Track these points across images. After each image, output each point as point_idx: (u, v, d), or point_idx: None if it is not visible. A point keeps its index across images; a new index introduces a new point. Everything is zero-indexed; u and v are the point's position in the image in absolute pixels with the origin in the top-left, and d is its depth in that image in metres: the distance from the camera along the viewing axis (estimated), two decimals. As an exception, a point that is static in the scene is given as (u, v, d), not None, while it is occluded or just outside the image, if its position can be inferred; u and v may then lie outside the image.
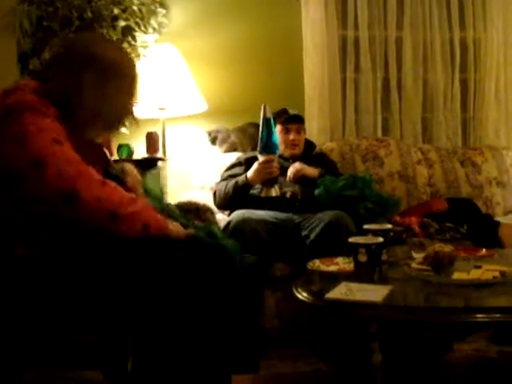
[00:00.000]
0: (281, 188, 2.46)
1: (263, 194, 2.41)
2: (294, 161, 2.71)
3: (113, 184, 1.47)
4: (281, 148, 2.59)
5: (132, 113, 1.68)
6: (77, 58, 1.56)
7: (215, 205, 2.69)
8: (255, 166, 2.44)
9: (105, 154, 1.78)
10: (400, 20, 3.41)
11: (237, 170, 2.71)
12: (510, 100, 3.49)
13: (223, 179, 2.70)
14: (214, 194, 2.68)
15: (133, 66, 1.67)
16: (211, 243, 1.55)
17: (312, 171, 2.64)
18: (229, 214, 2.58)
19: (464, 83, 3.49)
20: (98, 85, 1.55)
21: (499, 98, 3.47)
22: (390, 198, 2.69)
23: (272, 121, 2.37)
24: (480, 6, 3.43)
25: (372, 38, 3.39)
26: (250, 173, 2.49)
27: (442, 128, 3.45)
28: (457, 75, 3.45)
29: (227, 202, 2.60)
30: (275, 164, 2.40)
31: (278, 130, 2.66)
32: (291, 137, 2.73)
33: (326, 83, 3.32)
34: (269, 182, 2.40)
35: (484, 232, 2.62)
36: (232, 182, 2.58)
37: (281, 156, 2.61)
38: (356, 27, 3.38)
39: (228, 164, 2.85)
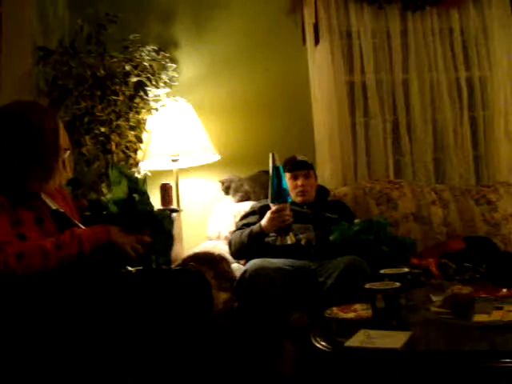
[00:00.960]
0: (296, 235, 2.45)
1: (278, 243, 2.40)
2: (307, 207, 2.72)
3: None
4: (291, 195, 2.60)
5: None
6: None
7: (231, 254, 2.67)
8: (268, 214, 2.45)
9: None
10: (405, 63, 3.47)
11: (251, 218, 2.71)
12: (521, 135, 3.50)
13: (238, 228, 2.71)
14: (230, 243, 2.67)
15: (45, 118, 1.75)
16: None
17: None
18: (244, 263, 2.57)
19: (473, 121, 3.51)
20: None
21: (509, 133, 3.47)
22: (406, 239, 2.67)
23: (281, 168, 2.39)
24: (483, 45, 3.48)
25: (379, 82, 3.44)
26: (263, 221, 2.49)
27: (454, 167, 3.45)
28: (465, 114, 3.47)
29: (242, 251, 2.59)
30: (288, 212, 2.40)
31: (287, 177, 2.65)
32: (299, 183, 2.74)
33: (336, 128, 3.36)
34: (283, 230, 2.40)
35: (504, 270, 2.57)
36: (247, 231, 2.58)
37: (293, 202, 2.62)
38: (362, 72, 3.44)
39: (242, 213, 2.86)
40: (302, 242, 2.52)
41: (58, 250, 1.57)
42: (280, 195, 2.39)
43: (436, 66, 3.46)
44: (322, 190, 2.91)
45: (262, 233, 2.50)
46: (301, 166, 2.76)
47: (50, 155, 1.73)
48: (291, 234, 2.40)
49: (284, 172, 2.47)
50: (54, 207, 1.78)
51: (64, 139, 1.78)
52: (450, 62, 3.48)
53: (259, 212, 2.68)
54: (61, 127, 1.79)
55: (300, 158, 2.79)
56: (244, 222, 2.73)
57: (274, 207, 2.41)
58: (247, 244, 2.55)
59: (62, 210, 1.78)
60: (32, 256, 1.54)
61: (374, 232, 2.46)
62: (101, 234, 1.66)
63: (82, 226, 1.77)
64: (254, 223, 2.61)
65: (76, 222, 1.79)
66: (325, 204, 2.83)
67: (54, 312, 1.52)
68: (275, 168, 2.37)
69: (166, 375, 1.55)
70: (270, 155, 2.37)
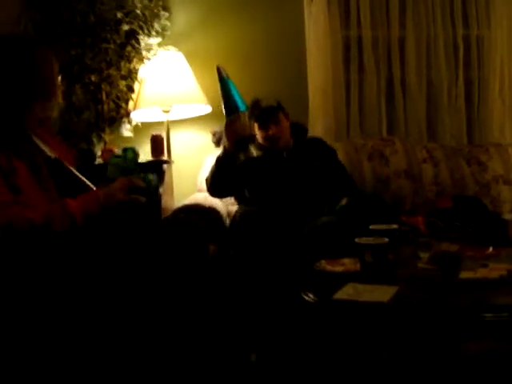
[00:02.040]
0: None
1: (242, 158, 2.35)
2: (287, 153, 2.60)
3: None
4: (265, 144, 2.56)
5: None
6: None
7: (208, 192, 2.59)
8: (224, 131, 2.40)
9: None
10: (402, 19, 3.42)
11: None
12: (515, 97, 3.48)
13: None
14: (206, 182, 2.59)
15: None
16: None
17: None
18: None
19: (468, 81, 3.49)
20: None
21: (503, 95, 3.47)
22: None
23: (229, 80, 2.30)
24: (483, 3, 3.43)
25: (375, 38, 3.39)
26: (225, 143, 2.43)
27: (446, 126, 3.44)
28: (461, 73, 3.45)
29: (217, 181, 2.49)
30: (240, 123, 2.32)
31: (255, 126, 2.58)
32: (271, 132, 2.57)
33: (330, 83, 3.32)
34: (242, 144, 2.33)
35: (491, 230, 2.60)
36: (214, 160, 2.51)
37: (271, 150, 2.56)
38: (359, 27, 3.39)
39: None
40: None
41: (48, 224, 1.54)
42: (230, 108, 2.31)
43: (434, 23, 3.42)
44: (297, 130, 2.73)
45: (227, 154, 2.41)
46: (268, 114, 2.57)
47: (48, 84, 1.69)
48: (252, 147, 2.35)
49: (250, 119, 2.44)
50: (51, 155, 1.75)
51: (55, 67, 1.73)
52: (448, 18, 3.43)
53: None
54: (56, 63, 1.74)
55: (264, 103, 2.58)
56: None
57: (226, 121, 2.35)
58: (217, 170, 2.46)
59: (56, 157, 1.75)
60: (19, 227, 1.51)
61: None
62: (92, 204, 1.62)
63: (80, 175, 1.74)
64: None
65: (73, 169, 1.76)
66: (303, 145, 2.67)
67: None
68: (222, 80, 2.29)
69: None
70: (216, 69, 2.30)
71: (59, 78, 1.75)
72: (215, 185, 2.51)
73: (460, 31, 3.43)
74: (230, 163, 2.42)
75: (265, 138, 2.57)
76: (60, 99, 1.76)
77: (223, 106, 2.31)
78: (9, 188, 1.56)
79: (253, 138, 2.36)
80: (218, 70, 2.28)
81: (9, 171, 1.58)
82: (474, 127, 3.52)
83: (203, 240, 1.71)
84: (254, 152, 2.33)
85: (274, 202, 2.44)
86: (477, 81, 3.48)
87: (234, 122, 2.31)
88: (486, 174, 3.18)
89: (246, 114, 2.37)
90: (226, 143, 2.38)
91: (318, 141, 2.79)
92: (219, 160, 2.45)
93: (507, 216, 2.84)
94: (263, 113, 2.56)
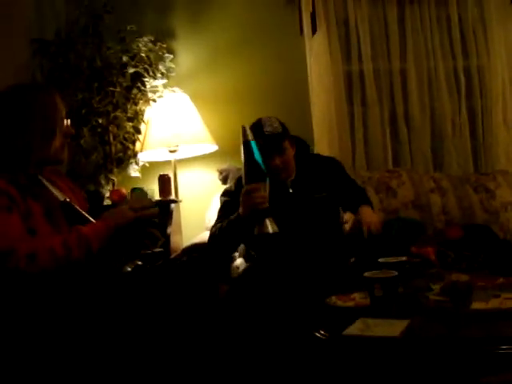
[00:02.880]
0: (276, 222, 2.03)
1: (256, 232, 2.00)
2: (292, 185, 2.36)
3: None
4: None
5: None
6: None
7: (209, 246, 2.31)
8: (240, 197, 2.09)
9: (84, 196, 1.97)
10: (403, 51, 3.47)
11: (228, 207, 2.30)
12: (519, 123, 3.50)
13: (216, 222, 2.32)
14: (211, 237, 2.28)
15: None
16: None
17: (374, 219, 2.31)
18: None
19: (471, 110, 3.51)
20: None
21: (507, 122, 3.49)
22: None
23: (253, 143, 2.00)
24: (481, 33, 3.48)
25: (377, 71, 3.45)
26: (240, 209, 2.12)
27: (452, 155, 3.45)
28: (463, 102, 3.47)
29: (224, 242, 2.24)
30: (261, 193, 2.01)
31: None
32: (277, 162, 2.29)
33: (334, 117, 3.36)
34: (259, 216, 2.00)
35: (501, 259, 2.58)
36: (226, 221, 2.21)
37: (276, 182, 2.26)
38: (360, 60, 3.44)
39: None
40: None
41: (68, 252, 1.58)
42: (252, 175, 2.02)
43: (434, 55, 3.46)
44: (299, 148, 2.42)
45: (240, 219, 2.11)
46: (272, 144, 2.26)
47: (49, 123, 1.73)
48: (269, 221, 1.99)
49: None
50: (62, 198, 1.78)
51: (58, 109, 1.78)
52: (448, 50, 3.48)
53: (235, 196, 2.24)
54: (61, 105, 1.78)
55: (268, 129, 2.26)
56: (220, 214, 2.34)
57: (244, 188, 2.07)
58: (227, 234, 2.18)
59: (68, 200, 1.78)
60: (43, 258, 1.55)
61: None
62: (102, 228, 1.66)
63: (91, 218, 1.76)
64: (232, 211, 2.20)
65: (84, 213, 1.79)
66: (310, 170, 2.38)
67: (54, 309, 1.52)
68: (246, 143, 1.99)
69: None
70: (241, 129, 2.03)
71: (66, 121, 1.79)
72: (220, 245, 2.26)
73: (460, 62, 3.48)
74: (241, 229, 2.14)
75: (271, 169, 2.25)
76: (65, 141, 1.80)
77: (244, 171, 2.04)
78: (27, 230, 1.59)
79: (269, 211, 2.03)
80: (243, 130, 2.02)
81: (25, 212, 1.61)
82: (480, 155, 3.53)
83: (214, 280, 1.71)
84: (270, 227, 2.00)
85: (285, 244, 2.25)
86: (480, 110, 3.51)
87: (255, 192, 2.01)
88: (494, 201, 3.17)
89: (267, 184, 2.08)
90: (242, 210, 2.10)
91: (323, 158, 2.57)
92: (231, 224, 2.17)
93: (518, 244, 2.83)
94: (268, 140, 2.25)
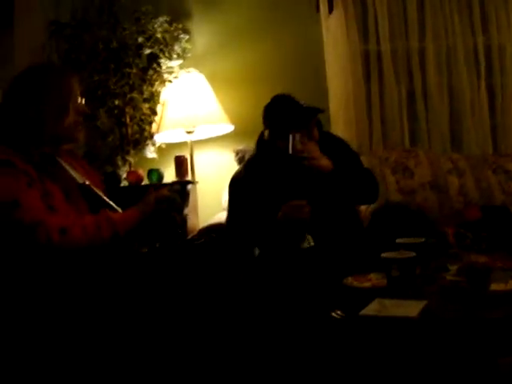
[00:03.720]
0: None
1: (295, 245, 2.08)
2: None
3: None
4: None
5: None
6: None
7: (232, 240, 2.24)
8: (284, 208, 2.08)
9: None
10: (422, 30, 3.40)
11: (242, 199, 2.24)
12: (540, 103, 3.43)
13: (235, 214, 2.25)
14: (232, 229, 2.26)
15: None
16: None
17: (326, 162, 2.13)
18: None
19: (490, 89, 3.44)
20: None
21: (527, 102, 3.42)
22: None
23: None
24: (503, 9, 3.40)
25: (394, 51, 3.39)
26: (279, 216, 2.10)
27: (470, 136, 3.40)
28: (482, 81, 3.41)
29: (254, 238, 2.21)
30: (307, 209, 2.05)
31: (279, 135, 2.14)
32: (315, 133, 2.16)
33: (351, 97, 3.32)
34: (301, 230, 2.08)
35: (520, 240, 2.56)
36: (259, 228, 2.15)
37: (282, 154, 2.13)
38: (378, 40, 3.39)
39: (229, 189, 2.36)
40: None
41: (98, 231, 1.61)
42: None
43: (453, 32, 3.39)
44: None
45: (276, 226, 2.10)
46: (312, 115, 2.15)
47: (60, 100, 1.75)
48: (309, 235, 2.06)
49: (269, 121, 2.13)
50: (81, 180, 1.79)
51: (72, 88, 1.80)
52: (468, 27, 3.41)
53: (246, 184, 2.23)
54: (76, 84, 1.81)
55: (304, 103, 2.15)
56: (234, 208, 2.28)
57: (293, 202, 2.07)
58: (261, 234, 2.15)
59: (88, 183, 1.80)
60: (74, 233, 1.57)
61: None
62: (133, 218, 1.71)
63: (109, 201, 1.78)
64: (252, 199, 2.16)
65: (103, 195, 1.81)
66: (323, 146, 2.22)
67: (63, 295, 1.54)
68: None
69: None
70: (290, 137, 2.00)
71: (81, 100, 1.81)
72: (249, 240, 2.23)
73: (480, 39, 3.40)
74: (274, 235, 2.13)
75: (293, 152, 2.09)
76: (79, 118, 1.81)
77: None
78: (47, 208, 1.61)
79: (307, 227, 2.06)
80: (293, 138, 2.00)
81: (44, 192, 1.63)
82: (499, 136, 3.47)
83: (233, 263, 1.73)
84: (309, 242, 2.05)
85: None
86: (499, 88, 3.44)
87: (302, 207, 2.04)
88: (512, 182, 3.13)
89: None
90: (283, 219, 2.08)
91: (326, 136, 2.38)
92: (268, 229, 2.13)
93: (537, 224, 2.80)
94: (307, 113, 2.14)
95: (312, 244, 2.05)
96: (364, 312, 1.50)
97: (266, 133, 2.25)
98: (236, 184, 2.30)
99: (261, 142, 2.30)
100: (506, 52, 3.42)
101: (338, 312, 1.57)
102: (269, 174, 2.23)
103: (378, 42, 3.39)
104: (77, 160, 1.93)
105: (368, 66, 3.41)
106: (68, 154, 1.88)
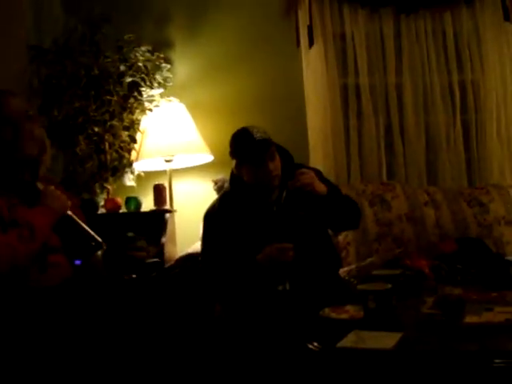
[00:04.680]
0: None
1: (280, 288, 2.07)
2: (276, 203, 2.22)
3: None
4: (259, 183, 2.18)
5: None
6: None
7: (206, 275, 2.19)
8: (269, 249, 2.08)
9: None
10: (399, 65, 3.48)
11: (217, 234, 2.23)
12: (513, 138, 3.52)
13: (212, 260, 2.21)
14: (206, 265, 2.23)
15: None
16: None
17: (322, 187, 2.14)
18: None
19: (465, 124, 3.52)
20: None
21: (501, 136, 3.50)
22: None
23: None
24: (475, 49, 3.50)
25: (372, 85, 3.46)
26: (260, 257, 2.09)
27: (446, 169, 3.47)
28: (458, 117, 3.49)
29: (231, 289, 2.15)
30: (291, 253, 2.06)
31: (245, 166, 2.18)
32: (270, 167, 2.14)
33: (329, 130, 3.37)
34: (284, 273, 2.07)
35: (495, 272, 2.59)
36: (237, 268, 2.13)
37: (258, 190, 2.20)
38: (356, 75, 3.45)
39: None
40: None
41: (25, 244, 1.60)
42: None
43: (429, 69, 3.48)
44: (285, 163, 2.24)
45: (255, 267, 2.08)
46: (263, 150, 2.12)
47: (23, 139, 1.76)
48: (287, 282, 2.07)
49: (235, 156, 2.16)
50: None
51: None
52: (443, 64, 3.50)
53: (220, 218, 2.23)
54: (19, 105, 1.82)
55: (258, 135, 2.12)
56: (209, 245, 2.25)
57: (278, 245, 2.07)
58: (240, 283, 2.11)
59: (70, 213, 1.79)
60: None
61: None
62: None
63: (90, 231, 1.77)
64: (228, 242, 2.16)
65: (85, 226, 1.79)
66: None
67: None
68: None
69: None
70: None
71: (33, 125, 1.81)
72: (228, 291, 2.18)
73: (455, 76, 3.50)
74: (253, 276, 2.10)
75: (264, 178, 2.16)
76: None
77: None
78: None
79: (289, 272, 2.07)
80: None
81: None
82: (474, 169, 3.54)
83: (209, 300, 1.71)
84: (288, 285, 2.06)
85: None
86: (474, 124, 3.53)
87: (288, 251, 2.06)
88: (487, 215, 3.17)
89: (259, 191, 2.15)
90: (263, 261, 2.08)
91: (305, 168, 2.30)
92: (248, 275, 2.10)
93: (511, 257, 2.84)
94: (259, 146, 2.12)
95: (287, 288, 2.05)
96: (341, 344, 1.50)
97: (233, 165, 2.27)
98: (210, 218, 2.29)
99: (233, 175, 2.31)
100: (479, 89, 3.52)
101: (315, 344, 1.57)
102: (242, 209, 2.23)
103: (356, 77, 3.46)
104: (54, 186, 1.92)
105: (347, 99, 3.47)
106: (44, 179, 1.87)
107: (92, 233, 1.79)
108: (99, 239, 1.77)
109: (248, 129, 2.17)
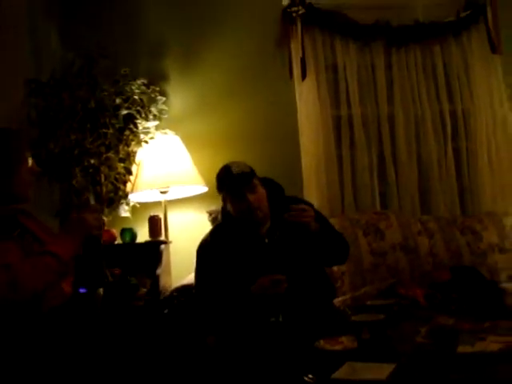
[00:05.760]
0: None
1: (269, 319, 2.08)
2: (267, 235, 2.26)
3: None
4: (243, 217, 2.22)
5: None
6: None
7: (199, 308, 2.25)
8: (262, 280, 2.09)
9: None
10: (390, 96, 3.55)
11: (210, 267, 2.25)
12: (504, 165, 3.57)
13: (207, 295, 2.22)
14: (199, 297, 2.25)
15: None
16: None
17: (316, 225, 2.18)
18: None
19: (457, 153, 3.58)
20: None
21: (492, 164, 3.56)
22: None
23: None
24: (465, 79, 3.59)
25: (365, 116, 3.52)
26: (253, 288, 2.10)
27: (439, 198, 3.51)
28: (449, 145, 3.55)
29: (225, 320, 2.17)
30: (285, 285, 2.07)
31: (228, 200, 2.25)
32: (249, 199, 2.17)
33: (323, 161, 3.42)
34: (277, 305, 2.08)
35: (490, 300, 2.60)
36: (230, 299, 2.14)
37: (249, 232, 2.25)
38: (348, 105, 3.52)
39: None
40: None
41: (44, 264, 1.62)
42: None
43: (420, 100, 3.55)
44: (272, 190, 2.31)
45: (249, 299, 2.09)
46: (242, 181, 2.18)
47: (10, 166, 1.80)
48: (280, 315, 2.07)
49: (221, 191, 2.23)
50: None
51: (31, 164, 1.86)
52: (434, 95, 3.57)
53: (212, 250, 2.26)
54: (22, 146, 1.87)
55: (236, 170, 2.19)
56: (203, 278, 2.26)
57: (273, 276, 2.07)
58: (235, 314, 2.12)
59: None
60: (19, 266, 1.59)
61: None
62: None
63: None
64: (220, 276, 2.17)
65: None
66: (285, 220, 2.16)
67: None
68: None
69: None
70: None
71: (30, 160, 1.87)
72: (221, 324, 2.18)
73: (446, 106, 3.57)
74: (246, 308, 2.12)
75: (242, 210, 2.20)
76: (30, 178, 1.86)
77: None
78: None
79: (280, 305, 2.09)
80: None
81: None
82: (467, 197, 3.58)
83: (202, 332, 1.72)
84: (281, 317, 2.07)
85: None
86: (465, 152, 3.59)
87: (282, 283, 2.06)
88: (481, 243, 3.20)
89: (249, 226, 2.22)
90: (258, 291, 2.09)
91: (294, 201, 2.30)
92: (242, 306, 2.12)
93: (505, 285, 2.85)
94: (236, 181, 2.18)
95: (280, 320, 2.06)
96: (335, 375, 1.51)
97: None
98: (203, 251, 2.31)
99: (224, 208, 2.35)
100: (470, 118, 3.58)
101: (310, 376, 1.57)
102: (234, 241, 2.26)
103: (348, 108, 3.52)
104: (34, 220, 1.94)
105: (339, 130, 3.52)
106: (25, 215, 1.90)
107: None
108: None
109: (228, 165, 2.24)
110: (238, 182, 2.18)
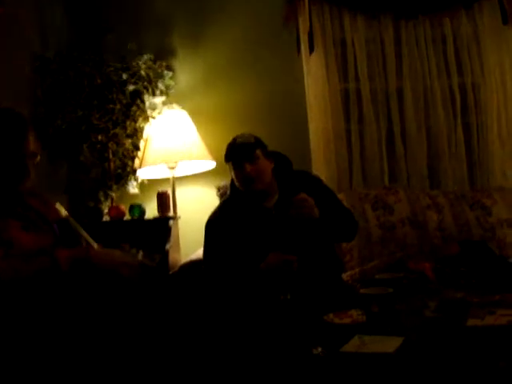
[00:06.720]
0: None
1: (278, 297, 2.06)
2: (275, 207, 2.30)
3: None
4: (241, 187, 2.28)
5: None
6: None
7: (207, 284, 2.29)
8: (273, 258, 2.13)
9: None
10: (399, 70, 3.51)
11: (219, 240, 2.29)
12: (514, 139, 3.53)
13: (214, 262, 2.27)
14: (208, 271, 2.28)
15: None
16: None
17: (316, 212, 2.17)
18: None
19: (467, 127, 3.55)
20: None
21: (503, 138, 3.51)
22: None
23: None
24: (475, 52, 3.53)
25: (373, 90, 3.48)
26: (263, 266, 2.14)
27: (448, 172, 3.48)
28: (459, 120, 3.51)
29: (229, 282, 2.22)
30: (296, 264, 2.10)
31: (231, 169, 2.30)
32: (246, 170, 2.22)
33: (331, 135, 3.40)
34: (287, 284, 2.07)
35: (498, 275, 2.60)
36: (239, 274, 2.19)
37: (256, 204, 2.28)
38: (357, 80, 3.48)
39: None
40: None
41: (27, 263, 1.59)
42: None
43: (429, 73, 3.51)
44: (280, 164, 2.37)
45: (257, 273, 2.13)
46: (242, 152, 2.24)
47: (17, 154, 1.77)
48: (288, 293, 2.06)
49: (227, 161, 2.26)
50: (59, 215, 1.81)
51: (33, 143, 1.82)
52: (443, 69, 3.52)
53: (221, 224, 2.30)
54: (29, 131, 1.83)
55: (239, 140, 2.27)
56: (212, 250, 2.30)
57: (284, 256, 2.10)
58: (241, 283, 2.16)
59: (66, 216, 1.81)
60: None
61: None
62: (79, 252, 1.69)
63: (86, 234, 1.79)
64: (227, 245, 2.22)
65: (81, 230, 1.81)
66: (291, 191, 2.24)
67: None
68: None
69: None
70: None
71: (33, 141, 1.83)
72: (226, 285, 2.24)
73: (455, 80, 3.52)
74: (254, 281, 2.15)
75: (240, 179, 2.27)
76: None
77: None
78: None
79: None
80: None
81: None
82: (476, 172, 3.56)
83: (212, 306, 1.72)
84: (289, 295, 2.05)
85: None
86: (475, 126, 3.54)
87: (293, 263, 2.09)
88: (490, 218, 3.18)
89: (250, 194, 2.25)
90: (268, 268, 2.12)
91: (302, 175, 2.43)
92: (248, 278, 2.16)
93: (514, 259, 2.84)
94: (237, 150, 2.25)
95: (289, 297, 2.05)
96: (344, 349, 1.52)
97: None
98: (211, 225, 2.34)
99: (233, 181, 2.37)
100: (480, 91, 3.54)
101: (319, 349, 1.58)
102: (242, 215, 2.28)
103: (357, 82, 3.48)
104: (39, 198, 1.94)
105: (348, 105, 3.50)
106: (29, 194, 1.89)
107: (90, 240, 1.81)
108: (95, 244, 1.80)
109: (236, 136, 2.31)
110: (237, 152, 2.24)
